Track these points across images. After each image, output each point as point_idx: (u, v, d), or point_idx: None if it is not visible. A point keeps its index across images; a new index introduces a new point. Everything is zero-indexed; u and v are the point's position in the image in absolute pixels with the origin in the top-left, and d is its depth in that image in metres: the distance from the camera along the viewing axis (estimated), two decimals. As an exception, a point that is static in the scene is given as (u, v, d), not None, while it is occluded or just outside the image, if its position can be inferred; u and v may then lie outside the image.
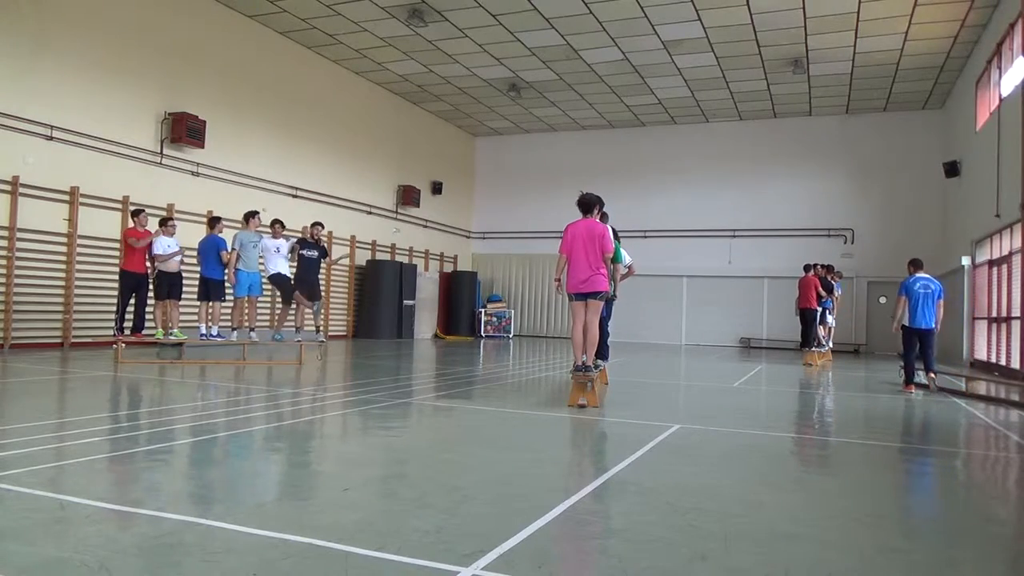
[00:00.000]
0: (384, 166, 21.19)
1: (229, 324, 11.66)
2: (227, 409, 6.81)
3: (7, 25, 11.70)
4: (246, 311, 11.37)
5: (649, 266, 22.64)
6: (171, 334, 11.13)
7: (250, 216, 11.51)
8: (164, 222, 11.32)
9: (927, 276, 10.27)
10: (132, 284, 10.85)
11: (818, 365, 14.73)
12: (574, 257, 7.22)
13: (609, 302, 7.89)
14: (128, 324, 10.88)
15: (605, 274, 7.23)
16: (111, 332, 11.06)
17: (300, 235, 11.96)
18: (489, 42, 17.03)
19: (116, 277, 13.25)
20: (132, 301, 10.95)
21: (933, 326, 9.96)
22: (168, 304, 11.09)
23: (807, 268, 15.24)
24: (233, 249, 11.06)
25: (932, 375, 10.01)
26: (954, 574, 2.99)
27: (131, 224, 11.25)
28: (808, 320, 14.93)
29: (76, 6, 12.68)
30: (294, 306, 11.82)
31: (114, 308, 13.27)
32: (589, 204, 7.43)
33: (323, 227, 12.21)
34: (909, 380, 9.96)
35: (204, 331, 11.06)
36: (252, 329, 11.27)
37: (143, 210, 11.28)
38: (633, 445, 5.38)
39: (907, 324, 9.99)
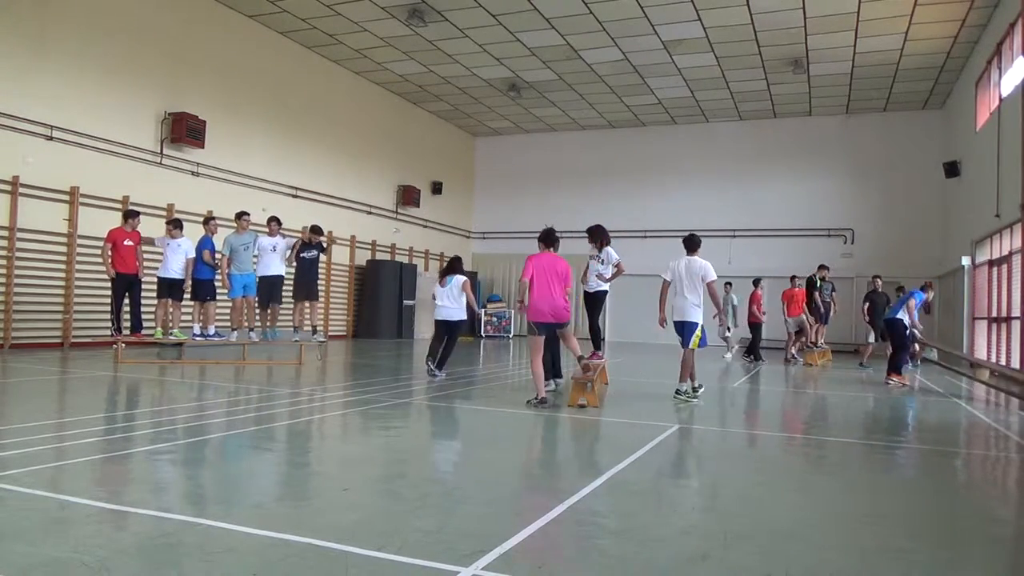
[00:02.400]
0: (384, 166, 21.19)
1: (228, 325, 11.63)
2: (227, 409, 6.81)
3: (7, 25, 11.70)
4: (245, 312, 11.26)
5: (649, 266, 22.50)
6: (171, 334, 11.09)
7: (239, 217, 11.36)
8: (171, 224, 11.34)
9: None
10: (123, 285, 10.66)
11: (818, 365, 14.75)
12: (540, 287, 7.41)
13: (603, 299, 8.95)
14: (127, 324, 10.83)
15: (570, 307, 7.68)
16: (109, 333, 11.00)
17: (299, 238, 11.76)
18: (489, 42, 17.03)
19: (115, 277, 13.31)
20: (126, 301, 10.86)
21: (893, 317, 10.85)
22: (168, 304, 11.02)
23: (793, 280, 15.65)
24: (223, 254, 10.96)
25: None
26: (954, 574, 2.99)
27: (119, 225, 10.99)
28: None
29: (76, 6, 12.68)
30: (298, 305, 11.64)
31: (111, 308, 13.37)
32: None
33: (322, 232, 11.86)
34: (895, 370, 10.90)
35: (197, 331, 11.07)
36: (251, 329, 11.20)
37: (137, 213, 11.17)
38: (633, 445, 5.38)
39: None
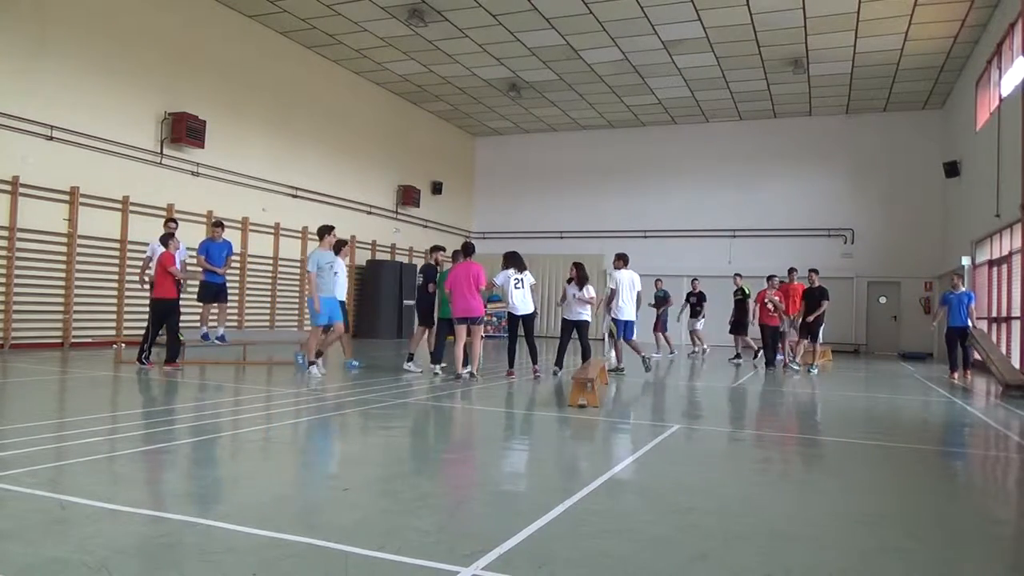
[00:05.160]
0: (384, 166, 21.19)
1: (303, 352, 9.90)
2: (227, 409, 6.81)
3: (7, 25, 11.70)
4: (322, 337, 9.67)
5: (648, 266, 22.57)
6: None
7: (328, 231, 9.72)
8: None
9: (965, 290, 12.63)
10: (164, 311, 9.64)
11: (818, 365, 14.70)
12: (456, 291, 9.49)
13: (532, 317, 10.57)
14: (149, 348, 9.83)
15: (480, 302, 9.59)
16: (137, 364, 9.55)
17: (427, 262, 10.91)
18: (489, 42, 17.03)
19: (116, 278, 13.30)
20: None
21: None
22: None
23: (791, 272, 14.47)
24: (309, 271, 9.41)
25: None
26: (954, 574, 2.99)
27: (166, 249, 9.85)
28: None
29: (76, 6, 12.68)
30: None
31: (113, 311, 13.34)
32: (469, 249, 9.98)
33: (444, 251, 11.01)
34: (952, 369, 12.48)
35: (208, 334, 10.98)
36: (312, 363, 9.33)
37: (173, 233, 10.03)
38: (633, 445, 5.38)
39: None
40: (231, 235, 15.59)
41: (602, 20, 15.56)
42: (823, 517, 3.71)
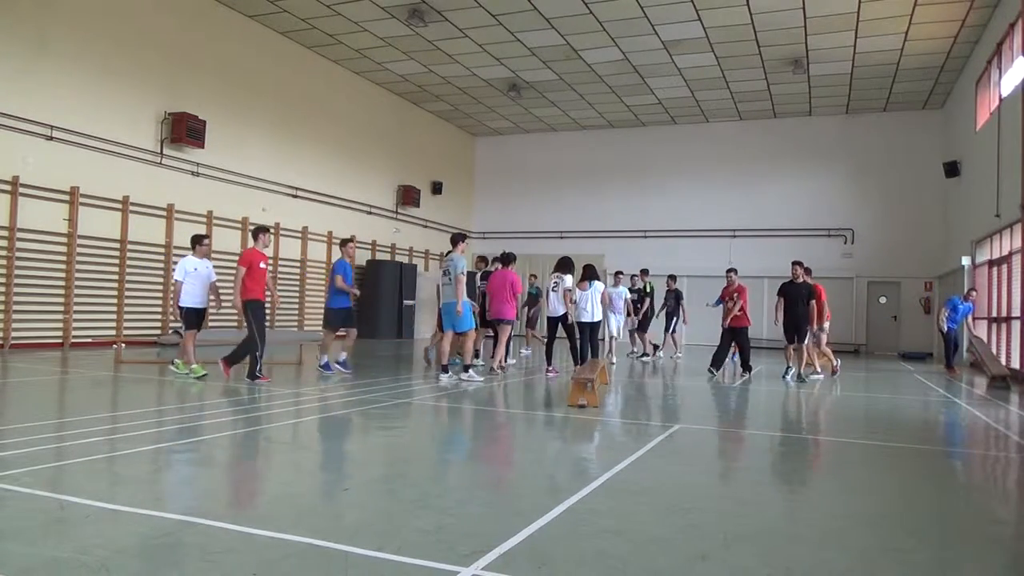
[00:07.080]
0: (384, 166, 21.19)
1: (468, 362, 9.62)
2: (227, 409, 6.81)
3: (7, 25, 11.70)
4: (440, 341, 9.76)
5: (649, 265, 22.62)
6: (191, 370, 8.84)
7: (460, 239, 9.79)
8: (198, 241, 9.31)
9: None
10: (263, 313, 8.76)
11: (818, 366, 14.69)
12: (494, 297, 10.40)
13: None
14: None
15: (513, 306, 10.36)
16: (253, 376, 8.43)
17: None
18: (489, 42, 17.03)
19: (116, 278, 13.30)
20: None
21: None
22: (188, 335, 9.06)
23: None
24: (461, 274, 9.42)
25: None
26: (954, 574, 2.99)
27: (252, 244, 8.91)
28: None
29: (76, 6, 12.68)
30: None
31: (113, 311, 13.34)
32: (506, 260, 10.70)
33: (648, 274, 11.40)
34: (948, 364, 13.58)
35: (343, 359, 9.75)
36: (466, 366, 9.50)
37: (268, 228, 9.28)
38: (633, 445, 5.38)
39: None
40: (231, 236, 15.69)
41: (602, 20, 15.56)
42: (823, 517, 3.71)
